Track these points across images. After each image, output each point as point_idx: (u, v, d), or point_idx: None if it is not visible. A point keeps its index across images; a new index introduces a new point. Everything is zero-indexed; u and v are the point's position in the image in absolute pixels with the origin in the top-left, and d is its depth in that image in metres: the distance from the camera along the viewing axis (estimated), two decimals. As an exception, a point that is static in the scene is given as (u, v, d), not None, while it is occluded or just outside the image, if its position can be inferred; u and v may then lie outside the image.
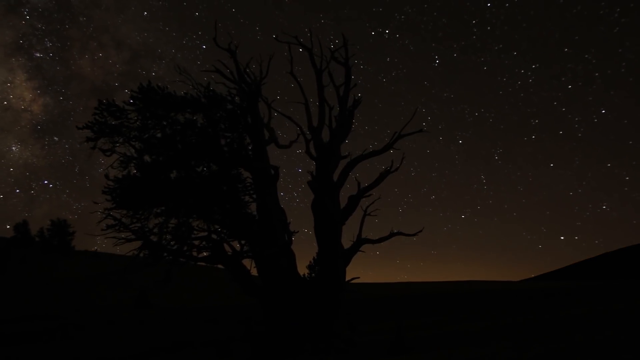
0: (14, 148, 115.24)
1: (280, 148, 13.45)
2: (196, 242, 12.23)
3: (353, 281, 12.25)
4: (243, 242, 12.48)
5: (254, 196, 12.73)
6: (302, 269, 34.27)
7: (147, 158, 12.38)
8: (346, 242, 12.24)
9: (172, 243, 12.19)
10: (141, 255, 12.08)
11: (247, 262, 12.34)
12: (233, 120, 12.81)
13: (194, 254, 12.16)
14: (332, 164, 12.39)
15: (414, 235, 12.38)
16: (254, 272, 12.13)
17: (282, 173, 12.78)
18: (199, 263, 12.60)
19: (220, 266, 12.59)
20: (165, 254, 12.07)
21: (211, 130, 12.57)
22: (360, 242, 12.19)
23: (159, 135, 12.49)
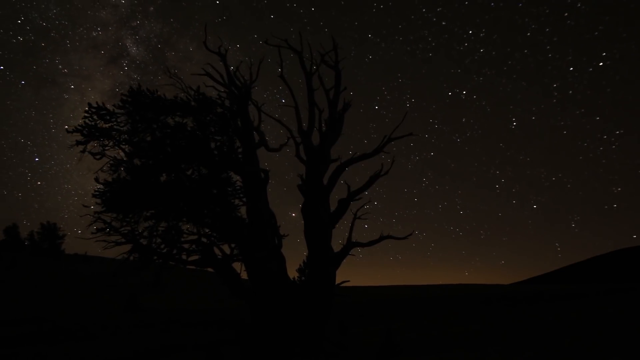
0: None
1: (270, 151, 13.49)
2: (186, 246, 12.21)
3: (343, 284, 12.28)
4: (233, 245, 12.49)
5: (244, 199, 12.74)
6: (292, 273, 34.29)
7: (137, 161, 12.35)
8: (336, 245, 12.28)
9: (162, 246, 12.16)
10: (131, 258, 12.05)
11: (237, 266, 12.36)
12: (223, 124, 12.82)
13: (184, 257, 12.13)
14: (322, 168, 12.43)
15: (403, 238, 12.43)
16: (244, 275, 12.14)
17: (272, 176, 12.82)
18: (188, 266, 12.57)
19: (210, 269, 12.58)
20: (155, 257, 12.04)
21: (201, 133, 12.57)
22: (350, 245, 12.21)
23: (148, 138, 12.47)
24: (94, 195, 11.94)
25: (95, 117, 12.07)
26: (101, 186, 11.92)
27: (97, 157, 12.20)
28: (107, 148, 12.30)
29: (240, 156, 12.78)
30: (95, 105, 12.03)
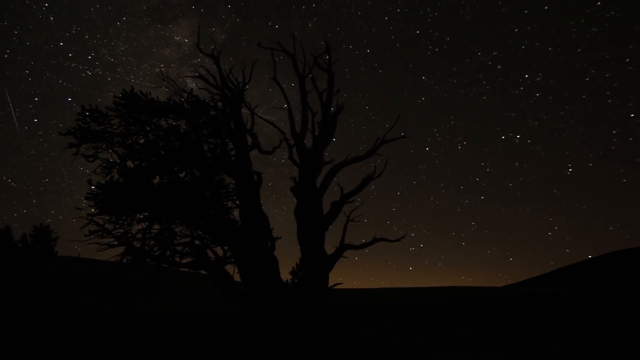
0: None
1: (263, 154, 13.50)
2: (179, 248, 12.20)
3: (336, 287, 12.31)
4: (226, 247, 12.49)
5: (237, 202, 12.75)
6: (285, 275, 34.31)
7: (130, 164, 12.35)
8: (329, 247, 12.30)
9: (155, 249, 12.16)
10: (124, 261, 12.03)
11: (230, 268, 12.36)
12: (216, 126, 12.83)
13: (177, 259, 12.12)
14: (315, 170, 12.45)
15: (396, 241, 12.46)
16: (237, 277, 12.14)
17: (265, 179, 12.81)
18: (182, 269, 12.57)
19: (203, 272, 12.57)
20: (148, 260, 12.03)
21: (194, 136, 12.57)
22: (343, 247, 12.23)
23: (142, 141, 12.47)
24: (86, 198, 11.92)
25: (88, 119, 12.05)
26: (94, 188, 11.91)
27: (90, 159, 12.19)
28: (100, 150, 12.29)
29: (233, 159, 12.79)
30: (88, 108, 12.02)
